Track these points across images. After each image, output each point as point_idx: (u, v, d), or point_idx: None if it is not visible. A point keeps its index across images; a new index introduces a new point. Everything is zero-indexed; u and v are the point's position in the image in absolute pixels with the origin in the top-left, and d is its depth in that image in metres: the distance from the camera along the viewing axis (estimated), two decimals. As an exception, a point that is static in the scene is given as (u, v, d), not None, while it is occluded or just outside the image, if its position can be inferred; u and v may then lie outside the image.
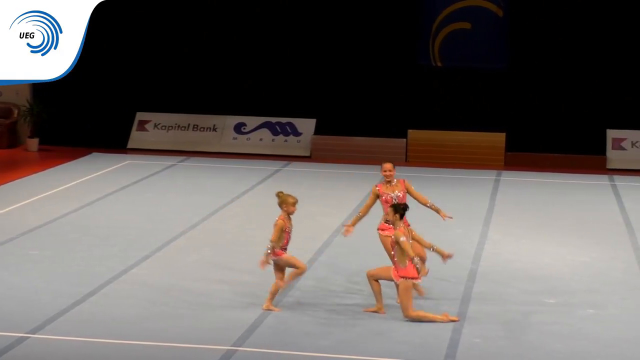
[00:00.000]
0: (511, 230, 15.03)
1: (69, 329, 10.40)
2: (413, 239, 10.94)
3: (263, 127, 22.02)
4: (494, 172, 19.81)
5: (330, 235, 14.34)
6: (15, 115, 22.12)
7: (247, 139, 21.93)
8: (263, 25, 22.00)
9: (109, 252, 13.37)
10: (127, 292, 11.66)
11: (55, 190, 17.21)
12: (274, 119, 22.04)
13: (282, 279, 11.10)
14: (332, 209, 15.95)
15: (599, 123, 21.06)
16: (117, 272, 12.42)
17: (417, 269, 10.63)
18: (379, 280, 10.95)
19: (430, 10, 21.36)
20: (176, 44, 22.24)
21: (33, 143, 21.65)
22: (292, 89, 22.04)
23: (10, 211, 15.71)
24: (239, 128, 22.10)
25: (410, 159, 20.88)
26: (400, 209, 10.82)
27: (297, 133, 21.86)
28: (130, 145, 22.12)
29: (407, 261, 10.64)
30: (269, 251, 10.98)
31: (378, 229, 11.49)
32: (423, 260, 11.38)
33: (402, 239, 10.60)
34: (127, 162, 20.16)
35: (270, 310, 11.01)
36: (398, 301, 10.92)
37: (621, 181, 19.14)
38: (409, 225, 11.32)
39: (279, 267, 11.10)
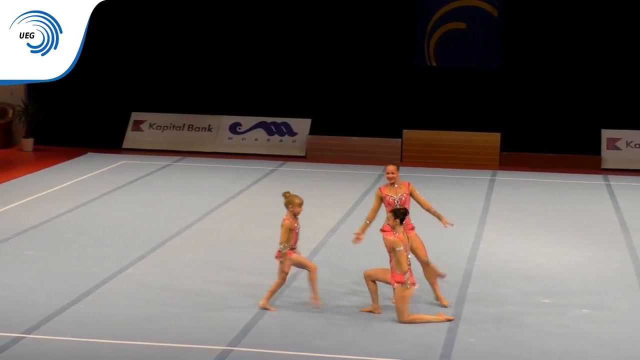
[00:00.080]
0: (506, 230, 15.05)
1: (64, 329, 10.40)
2: (412, 247, 10.97)
3: (258, 127, 22.03)
4: (489, 172, 19.84)
5: (326, 235, 14.35)
6: (10, 115, 22.10)
7: (242, 139, 21.94)
8: (258, 25, 22.00)
9: (104, 252, 13.37)
10: (122, 292, 11.66)
11: (50, 190, 17.20)
12: (269, 119, 22.05)
13: (284, 279, 11.10)
14: (328, 209, 15.96)
15: (593, 123, 21.10)
16: (112, 272, 12.42)
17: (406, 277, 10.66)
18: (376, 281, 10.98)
19: (425, 10, 21.38)
20: (171, 44, 22.23)
21: (28, 143, 21.63)
22: (288, 89, 22.05)
23: (5, 211, 15.70)
24: (234, 128, 22.10)
25: (406, 159, 20.90)
26: (400, 214, 10.77)
27: (292, 133, 21.87)
28: (125, 145, 22.11)
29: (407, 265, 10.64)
30: (283, 250, 10.95)
31: (381, 230, 11.41)
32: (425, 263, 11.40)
33: (399, 248, 10.59)
34: (122, 162, 20.15)
35: (266, 309, 11.02)
36: (394, 301, 10.92)
37: (616, 181, 19.17)
38: (413, 229, 11.29)
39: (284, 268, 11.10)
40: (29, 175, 18.63)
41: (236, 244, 13.96)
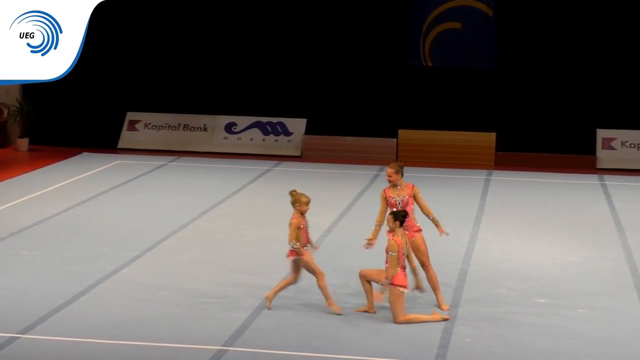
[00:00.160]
0: (501, 230, 15.06)
1: (59, 329, 10.39)
2: (414, 249, 10.98)
3: (254, 127, 22.02)
4: (485, 171, 19.85)
5: (321, 235, 14.34)
6: (5, 115, 22.08)
7: (237, 139, 21.93)
8: (254, 25, 22.00)
9: (99, 252, 13.36)
10: (117, 292, 11.65)
11: (45, 190, 17.18)
12: (264, 119, 22.04)
13: (296, 278, 11.05)
14: (323, 208, 15.94)
15: (588, 123, 21.12)
16: (107, 272, 12.41)
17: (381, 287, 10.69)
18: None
19: (420, 10, 21.39)
20: (167, 44, 22.22)
21: (23, 143, 21.61)
22: (283, 89, 22.05)
23: (0, 211, 15.68)
24: (229, 128, 22.09)
25: (401, 158, 20.84)
26: (400, 216, 10.74)
27: (287, 133, 21.87)
28: (120, 145, 22.10)
29: (398, 268, 10.64)
30: (300, 249, 10.92)
31: (388, 232, 11.28)
32: (414, 271, 11.38)
33: (392, 253, 10.58)
34: (118, 162, 20.14)
35: (268, 300, 10.99)
36: (389, 301, 10.92)
37: (611, 181, 19.19)
38: (419, 231, 11.22)
39: (297, 267, 11.08)
40: (24, 175, 18.61)
41: (231, 244, 13.96)
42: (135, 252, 13.36)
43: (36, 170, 19.11)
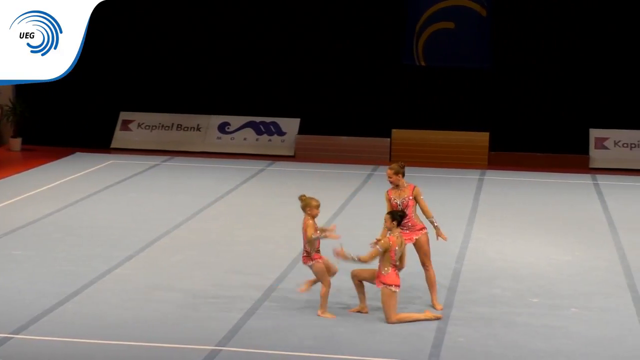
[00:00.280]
0: (495, 230, 15.06)
1: (52, 329, 10.37)
2: (416, 248, 10.96)
3: (247, 127, 22.01)
4: (478, 171, 19.86)
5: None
6: (-2, 114, 22.05)
7: (231, 139, 21.91)
8: (247, 25, 21.99)
9: (92, 252, 13.34)
10: (110, 293, 11.63)
11: (38, 190, 17.15)
12: (258, 119, 22.03)
13: (328, 283, 10.92)
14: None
15: (581, 122, 21.15)
16: (100, 272, 12.38)
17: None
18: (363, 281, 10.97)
19: (413, 10, 21.40)
20: (160, 44, 22.20)
21: (16, 143, 21.57)
22: (276, 89, 22.04)
23: (-7, 211, 15.66)
24: (223, 128, 22.07)
25: (395, 158, 20.87)
26: (397, 216, 10.73)
27: (281, 132, 21.86)
28: (113, 145, 22.07)
29: (390, 268, 10.63)
30: (321, 235, 10.82)
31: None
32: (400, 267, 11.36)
33: (378, 248, 10.56)
34: (111, 161, 20.11)
35: (324, 313, 10.87)
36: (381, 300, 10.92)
37: (604, 180, 19.22)
38: (422, 229, 11.20)
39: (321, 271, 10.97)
40: (16, 175, 18.58)
41: (225, 244, 13.95)
42: (128, 252, 13.34)
43: (29, 170, 19.07)
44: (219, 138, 21.96)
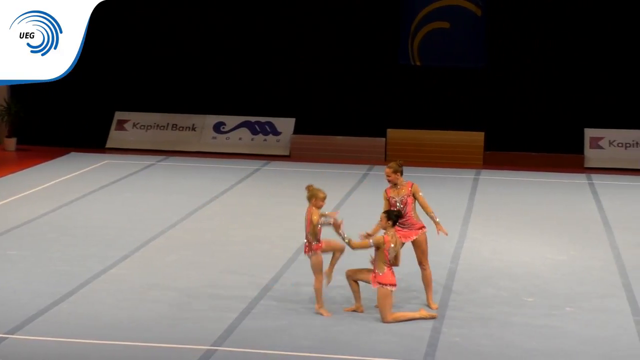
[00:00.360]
0: (490, 229, 15.08)
1: (47, 329, 10.36)
2: (413, 246, 10.97)
3: (242, 127, 22.00)
4: (473, 171, 19.87)
5: (310, 235, 14.32)
6: (-7, 114, 22.01)
7: (226, 139, 21.91)
8: (242, 25, 21.98)
9: (87, 252, 13.33)
10: (106, 292, 11.62)
11: (33, 190, 17.13)
12: (253, 119, 22.03)
13: (338, 250, 10.96)
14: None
15: (576, 122, 21.17)
16: (96, 272, 12.38)
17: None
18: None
19: (409, 9, 21.41)
20: (155, 43, 22.18)
21: (11, 143, 21.54)
22: (272, 89, 22.03)
23: (-12, 211, 15.65)
24: (218, 127, 22.07)
25: (390, 158, 20.87)
26: (393, 216, 10.73)
27: (276, 132, 21.86)
28: (109, 144, 22.05)
29: (385, 267, 10.64)
30: (324, 220, 10.82)
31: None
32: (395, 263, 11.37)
33: (370, 242, 10.59)
34: (106, 161, 20.10)
35: (328, 278, 10.89)
36: (376, 306, 10.92)
37: (599, 179, 19.24)
38: (421, 228, 11.20)
39: (329, 246, 10.97)
40: (11, 175, 18.56)
41: (220, 244, 13.94)
42: (123, 252, 13.33)
43: (24, 170, 19.05)
44: (214, 138, 21.95)
